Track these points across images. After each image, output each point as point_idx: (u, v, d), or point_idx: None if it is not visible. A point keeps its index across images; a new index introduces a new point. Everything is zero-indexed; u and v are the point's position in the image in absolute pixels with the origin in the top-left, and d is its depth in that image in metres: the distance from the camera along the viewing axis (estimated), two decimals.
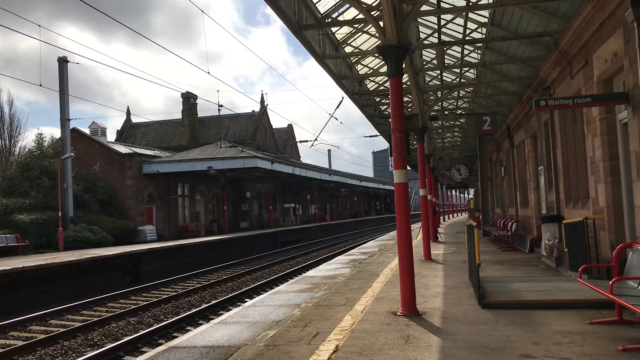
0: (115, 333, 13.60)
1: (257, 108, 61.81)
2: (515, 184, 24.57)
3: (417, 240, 21.87)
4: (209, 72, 19.98)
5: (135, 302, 18.69)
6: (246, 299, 16.72)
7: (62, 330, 13.78)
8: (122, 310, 16.07)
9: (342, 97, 31.84)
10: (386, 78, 19.78)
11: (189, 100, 59.34)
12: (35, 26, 30.88)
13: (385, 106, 23.96)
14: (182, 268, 27.23)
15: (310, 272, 15.37)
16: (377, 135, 39.47)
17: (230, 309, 11.00)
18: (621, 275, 7.93)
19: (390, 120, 9.74)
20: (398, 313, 8.88)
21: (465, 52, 17.69)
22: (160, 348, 7.81)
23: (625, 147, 9.85)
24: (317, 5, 13.68)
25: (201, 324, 13.08)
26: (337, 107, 34.61)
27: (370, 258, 18.89)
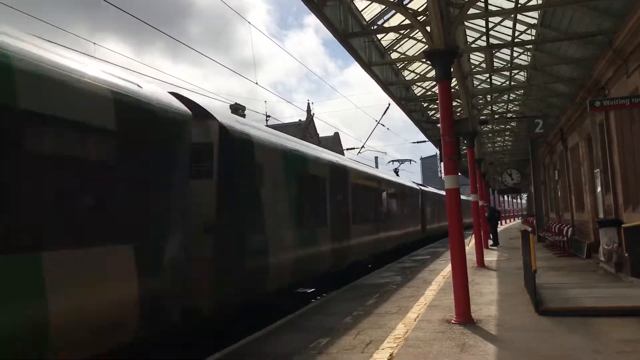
0: None
1: (296, 116, 62.09)
2: (570, 187, 23.85)
3: (469, 247, 21.51)
4: (257, 83, 20.18)
5: None
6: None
7: None
8: None
9: (389, 104, 31.64)
10: (433, 83, 19.63)
11: (237, 111, 60.25)
12: (75, 38, 31.89)
13: (433, 111, 23.73)
14: None
15: (361, 280, 15.30)
16: (425, 141, 39.11)
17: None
18: None
19: (438, 125, 9.66)
20: (452, 321, 8.75)
21: (515, 54, 17.37)
22: None
23: None
24: (362, 12, 13.71)
25: None
26: (384, 113, 34.48)
27: (421, 265, 18.68)
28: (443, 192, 10.46)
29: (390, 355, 6.94)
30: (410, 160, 31.31)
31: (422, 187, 33.77)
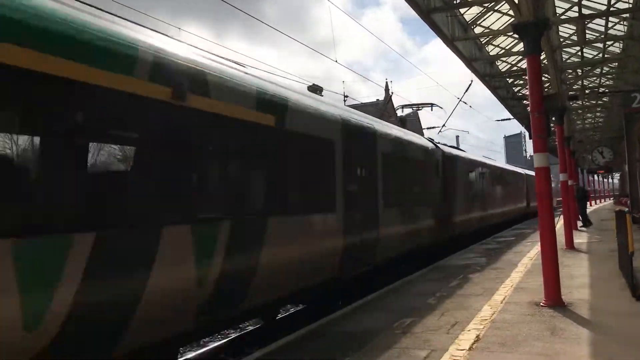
0: None
1: (373, 96, 61.57)
2: None
3: (558, 227, 20.65)
4: (336, 60, 20.12)
5: None
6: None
7: None
8: None
9: (471, 81, 30.61)
10: (519, 58, 18.87)
11: (315, 92, 60.45)
12: (159, 23, 32.89)
13: (519, 87, 22.81)
14: None
15: (444, 261, 15.07)
16: (509, 119, 37.70)
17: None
18: None
19: (524, 102, 9.29)
20: (541, 304, 8.45)
21: (610, 24, 16.32)
22: None
23: None
24: None
25: None
26: (466, 90, 33.44)
27: (506, 247, 18.16)
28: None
29: (476, 336, 6.80)
30: (432, 105, 26.18)
31: (528, 171, 39.68)
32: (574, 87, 22.02)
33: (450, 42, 14.92)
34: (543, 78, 18.67)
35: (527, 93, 9.45)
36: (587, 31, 16.30)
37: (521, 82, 21.70)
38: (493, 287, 10.33)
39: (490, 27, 16.29)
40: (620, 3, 14.67)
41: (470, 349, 6.30)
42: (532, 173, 10.12)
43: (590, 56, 19.73)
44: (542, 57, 15.89)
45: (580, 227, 23.83)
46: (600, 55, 19.19)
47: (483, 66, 19.52)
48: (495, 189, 27.66)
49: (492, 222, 26.34)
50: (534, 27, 8.70)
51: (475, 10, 15.15)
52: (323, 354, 6.54)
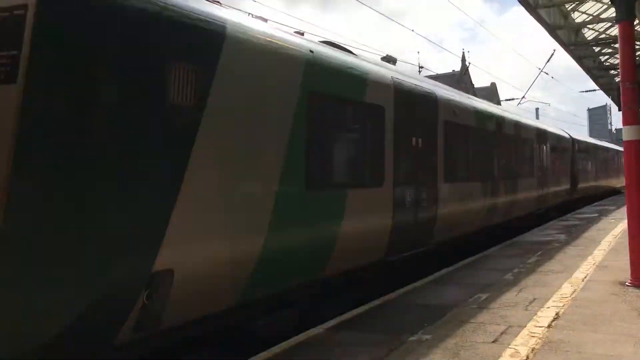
0: None
1: (448, 67, 59.96)
2: None
3: None
4: (413, 30, 19.75)
5: None
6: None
7: None
8: None
9: (554, 50, 29.23)
10: (609, 25, 17.80)
11: (389, 62, 59.66)
12: None
13: (607, 56, 21.58)
14: None
15: (521, 237, 14.66)
16: (593, 90, 35.90)
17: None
18: None
19: (612, 72, 8.78)
20: (627, 283, 8.09)
21: None
22: None
23: None
24: None
25: None
26: (548, 60, 32.00)
27: (587, 224, 17.43)
28: None
29: (556, 314, 6.62)
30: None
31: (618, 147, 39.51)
32: None
33: (533, 9, 14.29)
34: (636, 46, 17.60)
35: (617, 62, 8.92)
36: None
37: (610, 50, 20.50)
38: (574, 265, 9.98)
39: None
40: None
41: (549, 326, 6.15)
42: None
43: None
44: (635, 23, 15.00)
45: None
46: None
47: (567, 34, 18.58)
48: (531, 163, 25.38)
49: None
50: None
51: None
52: (397, 324, 6.56)
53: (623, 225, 12.75)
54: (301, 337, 6.18)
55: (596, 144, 33.09)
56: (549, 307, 6.96)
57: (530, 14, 14.72)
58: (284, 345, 5.89)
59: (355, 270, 8.13)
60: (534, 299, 7.44)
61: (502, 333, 6.00)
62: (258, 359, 5.53)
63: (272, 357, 5.53)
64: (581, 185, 25.92)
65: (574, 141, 24.65)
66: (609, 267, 9.64)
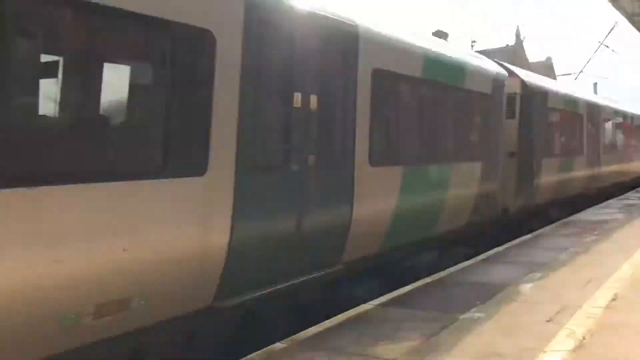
0: None
1: (502, 42, 58.20)
2: None
3: None
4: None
5: None
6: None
7: None
8: None
9: (615, 22, 27.98)
10: None
11: (440, 37, 58.35)
12: None
13: None
14: None
15: (576, 216, 14.23)
16: None
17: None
18: None
19: None
20: None
21: None
22: None
23: None
24: None
25: None
26: (609, 33, 30.68)
27: None
28: None
29: (614, 295, 6.43)
30: None
31: None
32: None
33: None
34: None
35: None
36: None
37: None
38: (633, 245, 9.65)
39: None
40: None
41: (607, 307, 5.99)
42: None
43: None
44: None
45: None
46: None
47: (631, 4, 17.71)
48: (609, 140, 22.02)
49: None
50: None
51: None
52: (448, 302, 6.52)
53: None
54: (351, 312, 6.21)
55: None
56: (606, 288, 6.77)
57: None
58: (335, 320, 5.94)
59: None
60: (590, 279, 7.24)
61: (557, 313, 5.87)
62: (309, 333, 5.60)
63: (324, 331, 5.58)
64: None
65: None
66: None
